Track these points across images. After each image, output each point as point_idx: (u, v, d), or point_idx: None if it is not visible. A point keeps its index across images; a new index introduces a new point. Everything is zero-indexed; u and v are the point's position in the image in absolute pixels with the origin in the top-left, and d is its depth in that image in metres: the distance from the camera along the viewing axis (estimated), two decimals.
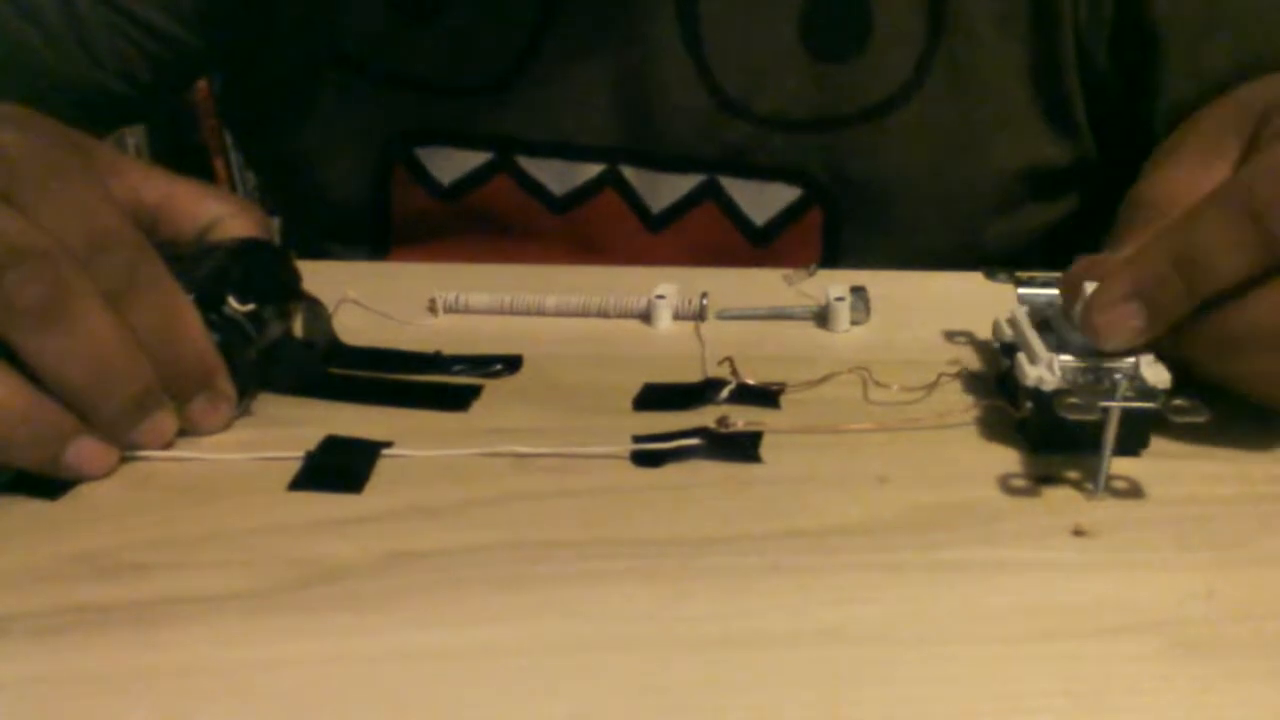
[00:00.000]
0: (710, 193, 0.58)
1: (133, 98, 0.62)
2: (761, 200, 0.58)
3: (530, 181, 0.60)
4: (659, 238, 0.59)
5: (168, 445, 0.36)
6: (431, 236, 0.63)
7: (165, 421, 0.36)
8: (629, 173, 0.59)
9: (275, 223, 0.63)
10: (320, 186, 0.63)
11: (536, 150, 0.59)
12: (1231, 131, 0.40)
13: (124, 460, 0.36)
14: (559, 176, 0.60)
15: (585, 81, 0.57)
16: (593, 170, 0.59)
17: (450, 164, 0.60)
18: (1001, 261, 0.57)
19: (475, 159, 0.60)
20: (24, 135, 0.35)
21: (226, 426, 0.38)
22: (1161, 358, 0.35)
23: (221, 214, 0.40)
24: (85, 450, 0.34)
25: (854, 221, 0.58)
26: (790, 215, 0.58)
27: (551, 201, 0.60)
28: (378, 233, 0.63)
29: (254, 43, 0.62)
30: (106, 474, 0.35)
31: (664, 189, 0.59)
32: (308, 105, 0.61)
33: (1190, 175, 0.40)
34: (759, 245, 0.59)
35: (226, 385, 0.37)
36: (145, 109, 0.67)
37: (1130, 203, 0.41)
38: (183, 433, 0.37)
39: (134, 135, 1.79)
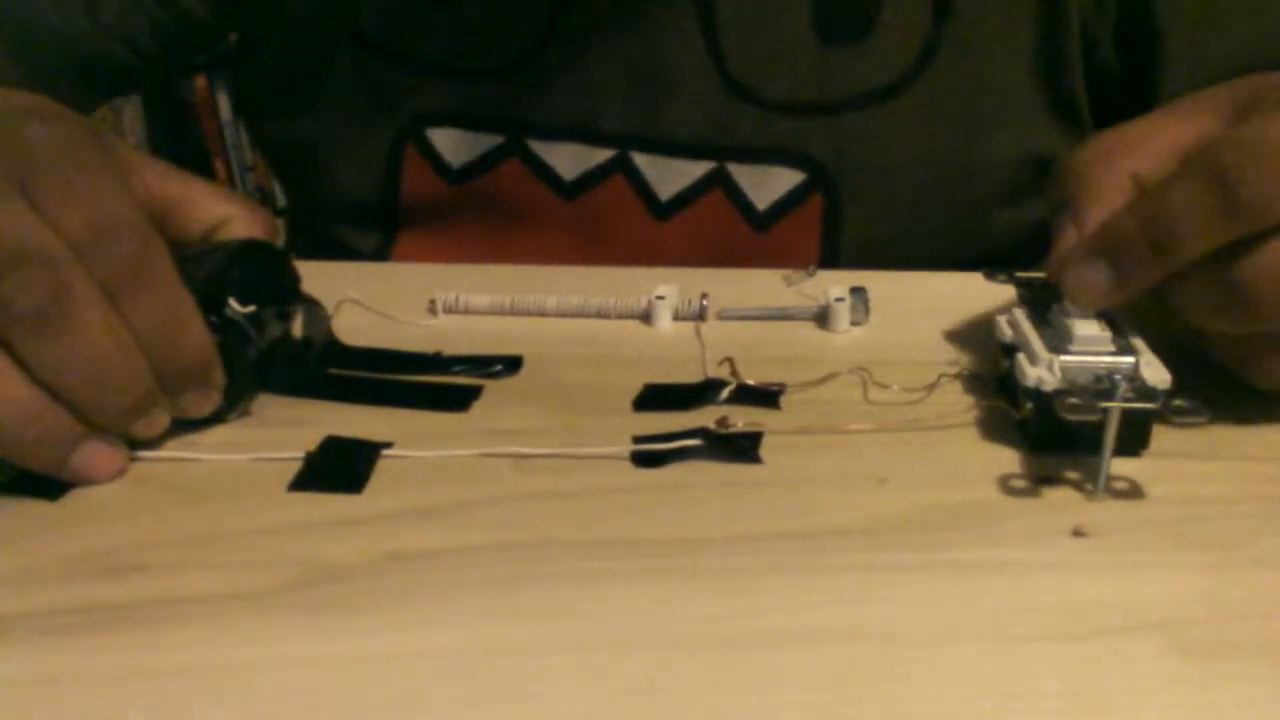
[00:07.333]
0: (718, 180, 0.59)
1: (134, 66, 0.62)
2: (765, 185, 0.58)
3: (541, 166, 0.60)
4: (665, 225, 0.60)
5: (159, 438, 0.36)
6: (439, 222, 0.63)
7: (159, 418, 0.36)
8: (639, 159, 0.59)
9: (281, 224, 0.63)
10: (332, 169, 0.63)
11: (548, 134, 0.59)
12: (1208, 105, 0.40)
13: None
14: (569, 161, 0.60)
15: (599, 66, 0.58)
16: (603, 156, 0.59)
17: (462, 146, 0.61)
18: (1009, 253, 0.58)
19: (487, 142, 0.60)
20: (48, 127, 0.35)
21: (213, 413, 0.38)
22: (1172, 330, 0.36)
23: (230, 215, 0.40)
24: (94, 454, 0.34)
25: (855, 207, 0.58)
26: (792, 200, 0.58)
27: (560, 186, 0.60)
28: (386, 217, 0.63)
29: (269, 20, 0.62)
30: (114, 478, 0.35)
31: (673, 176, 0.59)
32: (322, 86, 0.62)
33: (1150, 125, 0.40)
34: (759, 231, 0.59)
35: (219, 378, 0.37)
36: (145, 78, 0.67)
37: (1089, 147, 0.41)
38: (183, 433, 0.37)
39: (134, 135, 1.79)
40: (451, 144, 0.61)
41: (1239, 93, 0.39)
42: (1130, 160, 0.38)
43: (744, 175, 0.58)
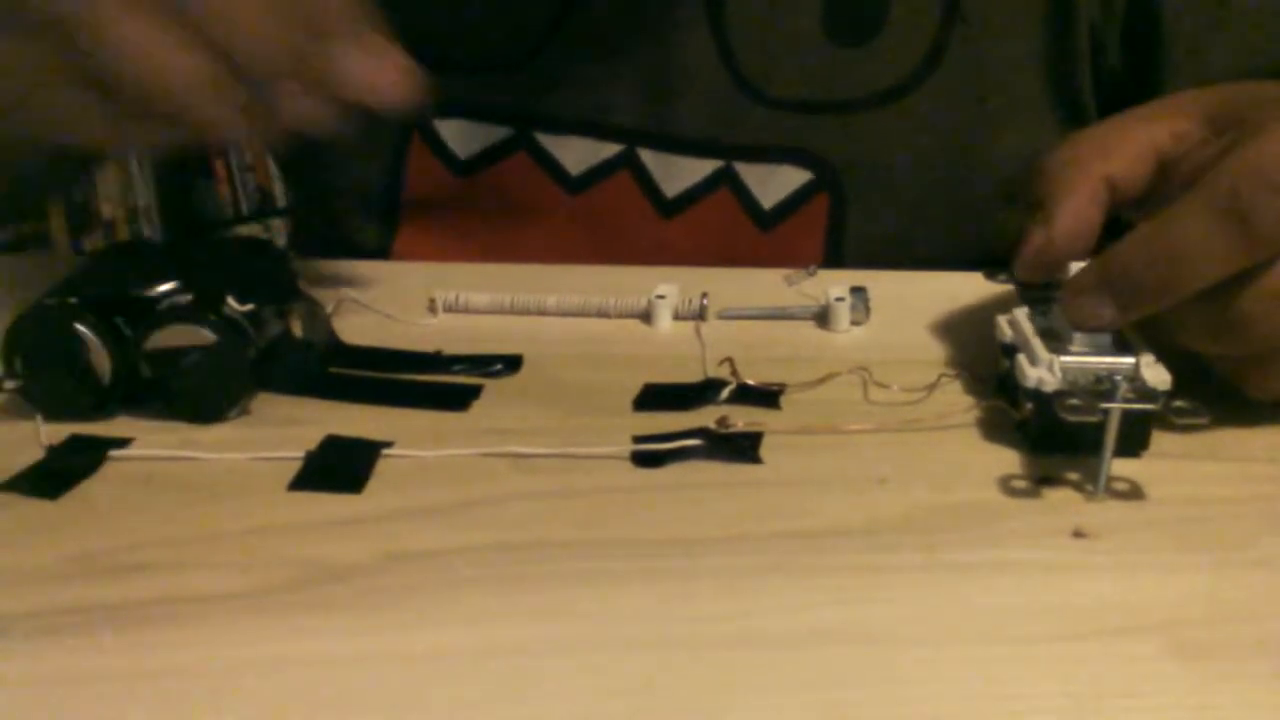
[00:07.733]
0: (725, 179, 0.59)
1: None
2: (771, 184, 0.58)
3: (547, 159, 0.60)
4: (670, 223, 0.60)
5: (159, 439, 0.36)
6: (443, 214, 0.63)
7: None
8: (646, 156, 0.59)
9: (282, 224, 0.63)
10: (338, 160, 0.63)
11: (557, 127, 0.59)
12: (1184, 108, 0.39)
13: (124, 460, 0.36)
14: (576, 155, 0.60)
15: (609, 60, 0.58)
16: (610, 151, 0.59)
17: (469, 138, 0.61)
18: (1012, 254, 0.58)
19: (494, 134, 0.60)
20: None
21: (213, 413, 0.38)
22: (1162, 348, 0.35)
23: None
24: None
25: (861, 206, 0.58)
26: (798, 199, 0.58)
27: (566, 181, 0.60)
28: (391, 209, 0.63)
29: None
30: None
31: (679, 174, 0.59)
32: None
33: (1124, 126, 0.40)
34: (765, 229, 0.59)
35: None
36: None
37: (1063, 148, 0.41)
38: (183, 433, 0.37)
39: None
40: (459, 135, 0.61)
41: (1218, 97, 0.39)
42: (1103, 163, 0.39)
43: (750, 174, 0.58)
